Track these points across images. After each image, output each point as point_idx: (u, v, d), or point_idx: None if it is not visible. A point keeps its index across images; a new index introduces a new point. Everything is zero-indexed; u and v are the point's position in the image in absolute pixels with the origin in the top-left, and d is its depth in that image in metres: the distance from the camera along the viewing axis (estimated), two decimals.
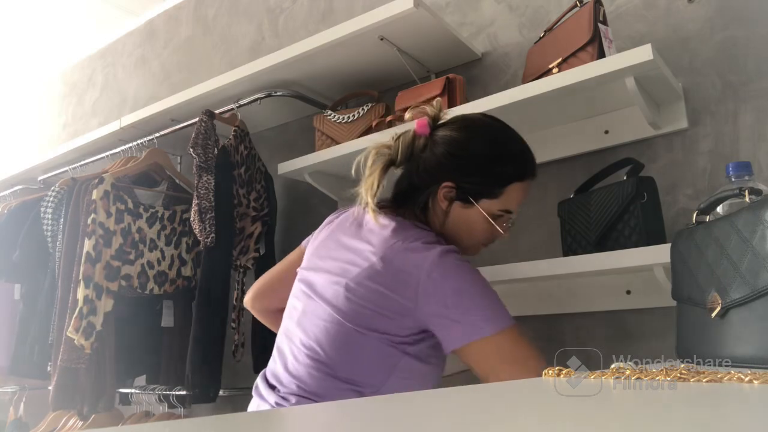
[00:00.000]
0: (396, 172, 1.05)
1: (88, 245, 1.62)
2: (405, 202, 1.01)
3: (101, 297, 1.61)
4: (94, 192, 1.68)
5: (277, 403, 0.93)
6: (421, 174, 1.00)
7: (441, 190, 0.98)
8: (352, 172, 1.02)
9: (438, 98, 1.14)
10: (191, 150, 1.64)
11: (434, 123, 1.02)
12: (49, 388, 1.68)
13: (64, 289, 1.73)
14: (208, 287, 1.60)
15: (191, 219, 1.61)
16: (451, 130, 1.00)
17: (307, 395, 0.92)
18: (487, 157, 0.99)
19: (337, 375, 0.90)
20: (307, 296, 0.99)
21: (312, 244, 1.12)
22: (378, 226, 0.97)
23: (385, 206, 1.01)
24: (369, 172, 0.99)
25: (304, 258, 1.10)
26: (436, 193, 0.98)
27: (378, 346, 0.90)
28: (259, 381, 1.02)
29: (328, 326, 0.92)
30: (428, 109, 1.02)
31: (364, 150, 1.36)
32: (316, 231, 1.15)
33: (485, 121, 1.03)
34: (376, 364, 0.91)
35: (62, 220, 1.82)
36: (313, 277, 1.01)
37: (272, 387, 0.98)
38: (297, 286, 1.05)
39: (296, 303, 1.02)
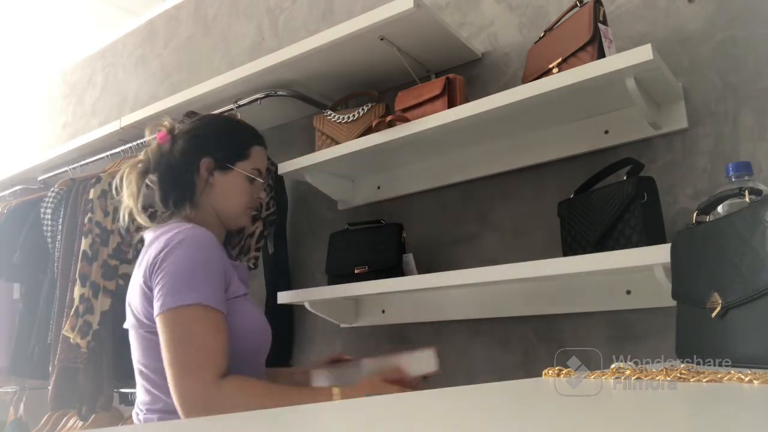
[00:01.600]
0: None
1: (84, 244, 1.62)
2: (170, 198, 1.16)
3: (98, 296, 1.61)
4: (91, 191, 1.68)
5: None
6: (179, 161, 1.16)
7: (202, 166, 1.15)
8: (113, 192, 1.19)
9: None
10: None
11: (172, 131, 1.21)
12: (49, 388, 1.68)
13: (62, 288, 1.73)
14: None
15: None
16: (186, 126, 1.22)
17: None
18: (225, 126, 1.23)
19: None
20: None
21: None
22: (149, 238, 1.12)
23: (152, 214, 1.19)
24: (127, 183, 1.15)
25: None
26: (198, 172, 1.15)
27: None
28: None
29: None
30: (164, 122, 1.21)
31: (365, 149, 1.37)
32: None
33: (208, 114, 1.35)
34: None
35: (61, 220, 1.82)
36: None
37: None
38: None
39: None
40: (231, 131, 1.22)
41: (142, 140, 1.93)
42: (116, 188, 1.18)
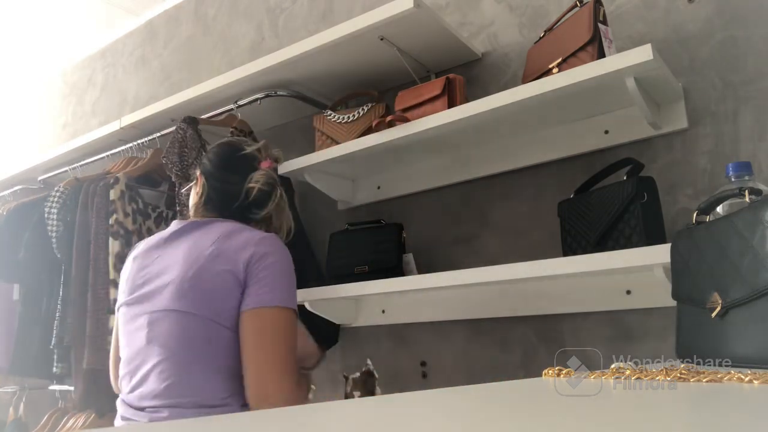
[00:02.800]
0: None
1: (116, 246, 1.64)
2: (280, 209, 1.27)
3: None
4: (111, 192, 1.68)
5: (151, 419, 1.02)
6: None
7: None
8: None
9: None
10: (164, 159, 1.64)
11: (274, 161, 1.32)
12: (52, 388, 1.68)
13: (77, 291, 1.72)
14: None
15: None
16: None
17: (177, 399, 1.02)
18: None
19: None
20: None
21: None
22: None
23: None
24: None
25: None
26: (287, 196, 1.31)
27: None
28: (121, 408, 1.09)
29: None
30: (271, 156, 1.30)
31: (365, 149, 1.38)
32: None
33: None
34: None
35: (69, 220, 1.81)
36: None
37: (141, 408, 1.04)
38: None
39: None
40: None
41: (142, 140, 1.93)
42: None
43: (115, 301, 1.58)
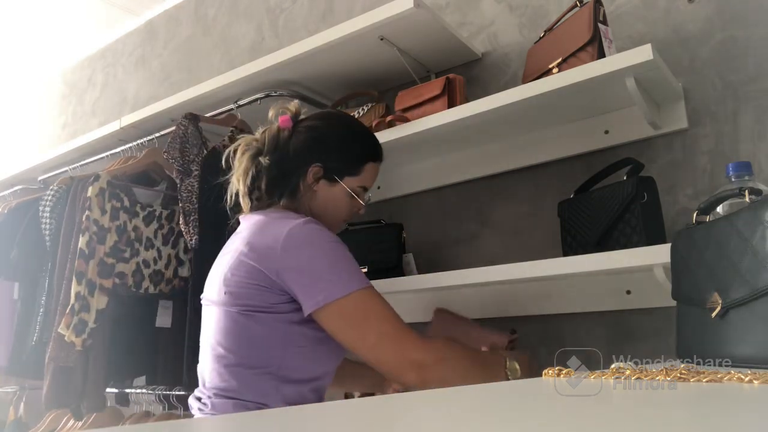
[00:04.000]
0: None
1: (81, 242, 1.62)
2: (275, 188, 1.10)
3: (94, 294, 1.60)
4: (89, 189, 1.67)
5: (199, 409, 1.01)
6: (292, 159, 1.10)
7: (310, 172, 1.09)
8: (222, 163, 1.13)
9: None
10: (166, 155, 1.64)
11: (296, 118, 1.14)
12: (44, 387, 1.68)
13: (59, 287, 1.73)
14: (199, 287, 1.60)
15: (179, 222, 1.62)
16: (312, 120, 1.14)
17: (221, 393, 0.98)
18: (346, 138, 1.15)
19: (239, 363, 0.98)
20: (204, 308, 1.10)
21: None
22: (248, 223, 1.07)
23: (258, 197, 1.11)
24: (239, 163, 1.10)
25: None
26: (305, 176, 1.09)
27: (264, 322, 0.97)
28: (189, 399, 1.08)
29: (219, 321, 1.00)
30: (290, 106, 1.15)
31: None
32: None
33: (339, 112, 1.24)
34: (268, 340, 0.98)
35: (60, 218, 1.81)
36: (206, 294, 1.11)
37: (197, 398, 1.04)
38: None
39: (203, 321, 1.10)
40: (351, 142, 1.14)
41: (142, 140, 1.93)
42: (229, 158, 1.12)
43: (76, 295, 1.57)
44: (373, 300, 0.97)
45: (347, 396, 1.43)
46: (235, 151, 1.12)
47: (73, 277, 1.60)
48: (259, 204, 1.11)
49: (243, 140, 1.12)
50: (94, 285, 1.62)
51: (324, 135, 1.12)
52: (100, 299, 1.63)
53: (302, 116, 1.15)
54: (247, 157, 1.09)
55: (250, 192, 1.09)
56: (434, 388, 0.88)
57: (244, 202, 1.09)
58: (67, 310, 1.57)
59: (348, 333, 0.96)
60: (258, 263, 0.97)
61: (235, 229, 1.14)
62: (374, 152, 1.17)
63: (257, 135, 1.13)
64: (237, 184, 1.09)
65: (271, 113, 1.15)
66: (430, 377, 0.94)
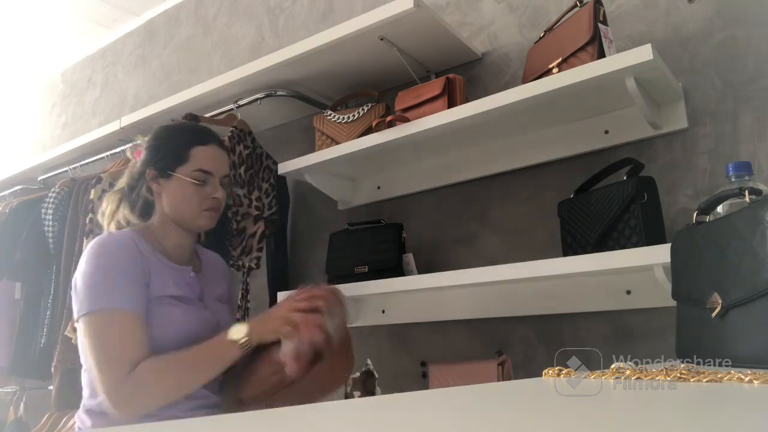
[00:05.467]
0: None
1: (85, 245, 1.63)
2: (139, 213, 1.22)
3: None
4: (92, 191, 1.68)
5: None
6: (136, 176, 1.23)
7: (148, 178, 1.20)
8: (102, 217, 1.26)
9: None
10: None
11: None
12: (50, 388, 1.68)
13: (63, 289, 1.73)
14: None
15: None
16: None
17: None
18: (164, 133, 1.25)
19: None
20: None
21: None
22: None
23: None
24: (106, 203, 1.24)
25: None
26: (147, 184, 1.20)
27: None
28: None
29: None
30: (139, 141, 1.30)
31: (365, 149, 1.36)
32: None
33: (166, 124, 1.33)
34: None
35: (63, 220, 1.82)
36: None
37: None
38: None
39: None
40: (168, 137, 1.23)
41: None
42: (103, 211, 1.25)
43: None
44: (112, 323, 1.02)
45: (347, 396, 1.43)
46: (107, 203, 1.25)
47: None
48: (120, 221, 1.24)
49: (110, 193, 1.28)
50: None
51: (148, 143, 1.24)
52: None
53: None
54: (114, 199, 1.24)
55: (114, 219, 1.23)
56: (151, 409, 0.98)
57: (108, 228, 1.22)
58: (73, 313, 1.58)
59: (83, 348, 1.06)
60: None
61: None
62: (196, 135, 1.23)
63: (122, 180, 1.27)
64: (102, 219, 1.24)
65: (129, 153, 1.34)
66: (138, 404, 1.00)
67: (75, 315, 1.06)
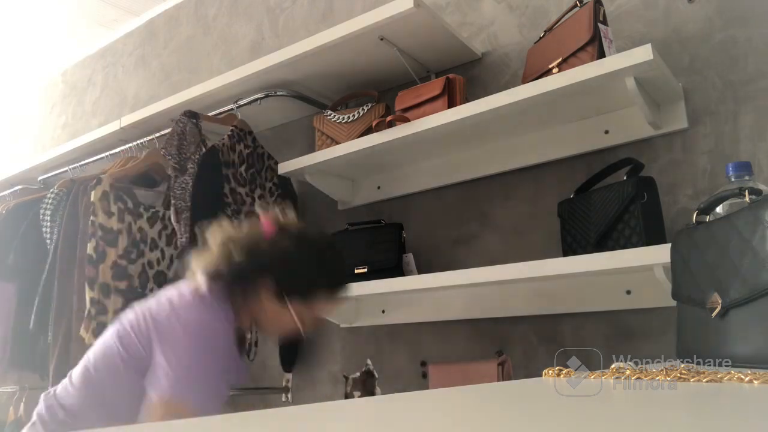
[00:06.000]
0: None
1: (89, 248, 1.63)
2: (230, 281, 1.10)
3: (110, 296, 1.62)
4: (92, 193, 1.68)
5: None
6: (254, 263, 1.10)
7: (263, 284, 1.10)
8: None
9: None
10: (163, 151, 1.64)
11: (279, 225, 1.15)
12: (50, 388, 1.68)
13: (60, 290, 1.73)
14: None
15: (171, 219, 1.62)
16: (288, 237, 1.13)
17: None
18: (307, 267, 1.13)
19: None
20: None
21: None
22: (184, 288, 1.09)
23: (213, 278, 1.09)
24: (215, 247, 1.11)
25: None
26: (257, 283, 1.10)
27: None
28: None
29: None
30: (279, 215, 1.17)
31: (365, 149, 1.35)
32: None
33: (319, 238, 1.22)
34: None
35: (60, 221, 1.81)
36: None
37: None
38: None
39: None
40: (312, 271, 1.13)
41: (142, 140, 1.93)
42: (207, 236, 1.13)
43: (91, 300, 1.58)
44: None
45: (347, 396, 1.43)
46: (213, 233, 1.13)
47: (85, 284, 1.62)
48: (211, 282, 1.09)
49: (222, 227, 1.14)
50: (108, 288, 1.64)
51: (290, 254, 1.12)
52: (116, 300, 1.64)
53: (287, 225, 1.16)
54: (221, 250, 1.11)
55: (210, 273, 1.09)
56: None
57: (199, 277, 1.08)
58: (85, 315, 1.60)
59: None
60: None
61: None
62: (331, 287, 1.15)
63: (240, 228, 1.15)
64: (199, 260, 1.11)
65: (260, 211, 1.18)
66: None
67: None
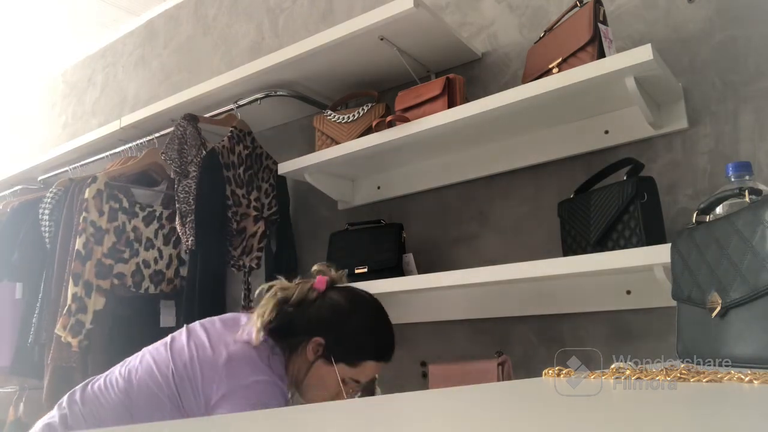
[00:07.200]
0: None
1: (78, 243, 1.63)
2: (281, 337, 1.11)
3: (91, 295, 1.61)
4: (87, 191, 1.68)
5: None
6: (305, 321, 1.12)
7: (312, 343, 1.10)
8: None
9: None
10: (164, 156, 1.64)
11: (332, 284, 1.18)
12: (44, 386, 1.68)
13: (57, 288, 1.73)
14: (195, 288, 1.60)
15: (176, 222, 1.62)
16: (341, 296, 1.15)
17: None
18: (359, 331, 1.14)
19: None
20: None
21: None
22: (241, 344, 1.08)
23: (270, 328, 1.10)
24: (265, 302, 1.13)
25: None
26: (307, 343, 1.10)
27: None
28: None
29: None
30: (333, 272, 1.20)
31: (365, 149, 1.34)
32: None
33: (369, 300, 1.19)
34: None
35: (59, 220, 1.82)
36: None
37: None
38: None
39: None
40: (363, 334, 1.14)
41: (142, 140, 1.93)
42: (261, 293, 1.16)
43: (73, 296, 1.58)
44: None
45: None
46: (266, 289, 1.15)
47: (70, 279, 1.61)
48: (262, 342, 1.08)
49: (279, 284, 1.15)
50: (91, 286, 1.63)
51: (342, 315, 1.13)
52: (98, 300, 1.63)
53: (340, 284, 1.19)
54: (273, 302, 1.11)
55: (264, 329, 1.08)
56: None
57: (256, 334, 1.07)
58: (64, 311, 1.58)
59: None
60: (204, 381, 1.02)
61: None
62: (381, 353, 1.15)
63: (292, 284, 1.16)
64: (257, 318, 1.10)
65: (315, 268, 1.20)
66: None
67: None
